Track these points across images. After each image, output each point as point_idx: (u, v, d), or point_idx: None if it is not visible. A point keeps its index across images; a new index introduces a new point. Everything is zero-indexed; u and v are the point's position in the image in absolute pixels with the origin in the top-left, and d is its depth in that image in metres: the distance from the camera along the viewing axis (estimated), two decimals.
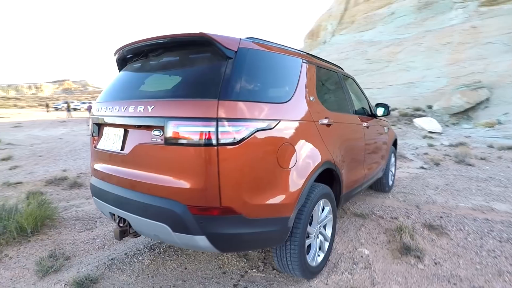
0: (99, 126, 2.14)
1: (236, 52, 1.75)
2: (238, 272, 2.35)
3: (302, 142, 2.00)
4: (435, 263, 2.44)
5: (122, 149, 1.89)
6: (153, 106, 1.68)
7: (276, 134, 1.80)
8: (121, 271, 2.35)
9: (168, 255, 2.60)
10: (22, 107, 28.22)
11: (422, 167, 6.21)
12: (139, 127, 1.79)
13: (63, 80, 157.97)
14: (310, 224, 2.19)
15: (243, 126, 1.62)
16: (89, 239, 2.90)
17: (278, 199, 1.80)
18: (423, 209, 3.72)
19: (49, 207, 3.24)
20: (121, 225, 1.96)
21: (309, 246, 2.22)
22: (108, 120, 2.00)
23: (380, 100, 20.54)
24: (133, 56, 2.19)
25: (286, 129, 1.88)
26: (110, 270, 2.36)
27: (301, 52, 2.46)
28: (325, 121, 2.32)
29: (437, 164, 6.38)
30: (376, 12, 28.88)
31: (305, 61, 2.36)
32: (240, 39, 1.85)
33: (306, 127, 2.09)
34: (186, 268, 2.41)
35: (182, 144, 1.58)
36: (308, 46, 34.87)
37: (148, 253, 2.63)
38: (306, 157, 2.00)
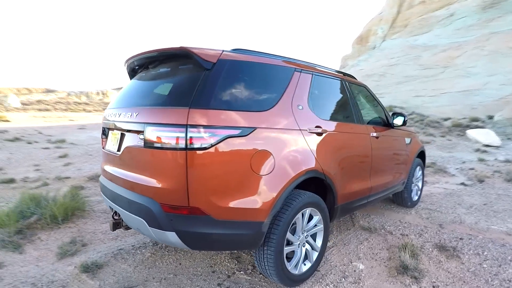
0: (107, 130, 2.44)
1: (214, 63, 1.89)
2: (226, 272, 2.45)
3: (281, 149, 2.04)
4: (433, 287, 2.26)
5: (118, 150, 2.14)
6: (137, 113, 1.89)
7: (250, 141, 1.88)
8: (124, 261, 2.61)
9: (168, 250, 2.80)
10: (89, 111, 31.85)
11: (462, 184, 5.64)
12: (129, 131, 2.02)
13: None
14: (294, 232, 2.21)
15: (212, 133, 1.74)
16: (107, 230, 3.24)
17: (249, 203, 1.87)
18: (446, 228, 3.42)
19: (80, 200, 3.70)
20: (115, 217, 2.21)
21: (293, 253, 2.23)
22: (111, 124, 2.28)
23: (433, 109, 18.93)
24: (137, 68, 2.47)
25: (262, 137, 1.95)
26: (115, 259, 2.63)
27: (296, 61, 2.50)
28: (316, 130, 2.33)
29: (481, 181, 5.73)
30: (432, 14, 26.83)
31: (298, 70, 2.41)
32: (223, 51, 1.98)
33: (289, 135, 2.13)
34: (180, 264, 2.58)
35: (156, 148, 1.76)
36: (357, 52, 33.67)
37: (152, 247, 2.87)
38: (285, 164, 2.04)
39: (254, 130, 1.90)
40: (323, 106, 2.64)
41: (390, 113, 3.58)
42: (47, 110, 29.44)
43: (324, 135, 2.41)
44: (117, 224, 2.20)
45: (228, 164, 1.81)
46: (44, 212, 3.26)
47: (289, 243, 2.17)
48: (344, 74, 3.18)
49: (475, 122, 13.96)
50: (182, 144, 1.69)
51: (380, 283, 2.32)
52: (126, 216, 2.01)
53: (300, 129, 2.21)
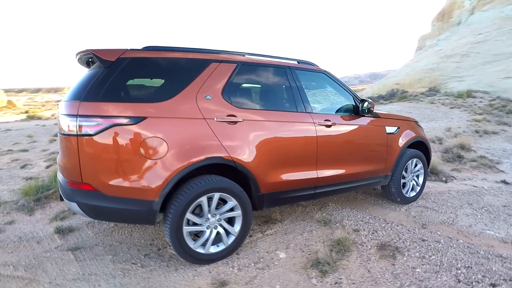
0: None
1: (113, 61, 2.17)
2: (160, 246, 2.76)
3: (177, 137, 2.22)
4: (335, 283, 2.15)
5: None
6: (63, 105, 2.28)
7: (139, 129, 2.11)
8: (92, 228, 3.16)
9: (131, 225, 3.25)
10: None
11: (503, 181, 4.72)
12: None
13: None
14: (200, 215, 2.37)
15: (99, 122, 2.04)
16: None
17: (139, 183, 2.12)
18: (427, 229, 3.04)
19: None
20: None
21: (201, 233, 2.40)
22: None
23: None
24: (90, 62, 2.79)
25: (154, 125, 2.16)
26: (87, 226, 3.20)
27: (220, 53, 2.59)
28: (226, 119, 2.41)
29: None
30: None
31: (217, 61, 2.51)
32: (125, 50, 2.24)
33: (189, 123, 2.28)
34: (131, 235, 3.00)
35: (63, 134, 2.15)
36: (437, 30, 29.31)
37: None
38: (180, 150, 2.21)
39: (144, 119, 2.13)
40: (246, 95, 2.66)
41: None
42: None
43: (238, 123, 2.46)
44: (60, 196, 2.70)
45: (116, 148, 2.08)
46: (57, 185, 4.09)
47: (194, 224, 2.34)
48: (299, 61, 3.08)
49: None
50: (74, 131, 2.04)
51: (287, 273, 2.31)
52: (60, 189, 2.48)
53: (204, 118, 2.34)
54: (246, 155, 2.47)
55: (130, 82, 2.21)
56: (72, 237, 2.96)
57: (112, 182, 2.10)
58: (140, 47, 2.36)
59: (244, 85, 2.77)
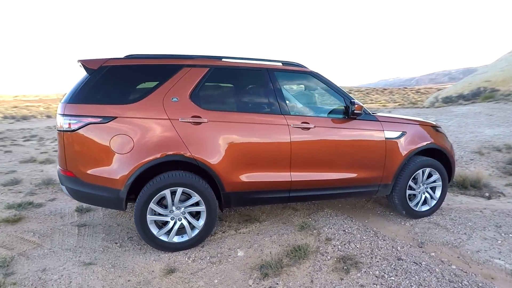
0: None
1: (95, 70, 2.57)
2: (136, 234, 3.06)
3: (142, 135, 2.50)
4: (269, 287, 2.13)
5: None
6: (59, 106, 2.79)
7: (110, 127, 2.47)
8: (104, 210, 3.71)
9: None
10: None
11: None
12: None
13: None
14: (166, 207, 2.61)
15: (78, 120, 2.45)
16: None
17: (108, 174, 2.48)
18: (423, 248, 2.70)
19: None
20: None
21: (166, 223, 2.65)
22: None
23: None
24: None
25: (123, 124, 2.48)
26: (101, 209, 3.75)
27: (194, 58, 2.78)
28: (191, 120, 2.60)
29: None
30: None
31: (189, 66, 2.71)
32: (107, 59, 2.62)
33: (154, 123, 2.54)
34: (130, 220, 3.44)
35: (57, 129, 2.64)
36: None
37: (129, 206, 3.86)
38: (144, 147, 2.49)
39: (114, 119, 2.47)
40: (216, 97, 2.79)
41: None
42: None
43: (203, 124, 2.62)
44: None
45: (91, 143, 2.48)
46: None
47: (159, 214, 2.60)
48: (284, 63, 3.06)
49: None
50: (62, 127, 2.50)
51: (233, 270, 2.38)
52: None
53: (169, 119, 2.57)
54: (209, 154, 2.62)
55: (109, 86, 2.59)
56: (86, 216, 3.55)
57: (88, 171, 2.50)
58: (122, 56, 2.72)
59: (215, 88, 2.91)
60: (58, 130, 2.61)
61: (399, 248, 2.69)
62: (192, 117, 2.61)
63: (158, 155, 2.51)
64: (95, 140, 2.48)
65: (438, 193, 3.42)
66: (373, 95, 50.87)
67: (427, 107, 16.28)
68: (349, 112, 2.99)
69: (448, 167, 3.46)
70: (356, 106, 2.89)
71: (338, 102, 3.09)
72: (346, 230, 3.00)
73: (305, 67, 3.10)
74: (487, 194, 4.17)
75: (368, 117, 3.11)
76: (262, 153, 2.78)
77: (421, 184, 3.35)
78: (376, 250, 2.62)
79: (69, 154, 2.52)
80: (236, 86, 2.93)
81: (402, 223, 3.29)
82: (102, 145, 2.48)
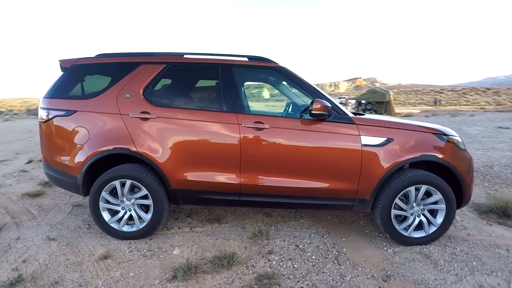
0: None
1: (67, 68, 2.87)
2: None
3: (96, 128, 2.69)
4: None
5: None
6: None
7: (71, 120, 2.73)
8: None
9: None
10: None
11: None
12: None
13: (356, 78, 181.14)
14: (117, 196, 2.77)
15: (48, 112, 2.79)
16: None
17: (67, 161, 2.76)
18: (384, 284, 2.23)
19: None
20: None
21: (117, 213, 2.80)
22: None
23: None
24: None
25: (81, 117, 2.72)
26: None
27: (150, 56, 2.85)
28: (139, 115, 2.68)
29: None
30: None
31: (145, 63, 2.80)
32: (79, 58, 2.90)
33: (107, 117, 2.70)
34: None
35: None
36: None
37: None
38: (97, 139, 2.68)
39: (74, 112, 2.73)
40: (168, 94, 2.78)
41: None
42: None
43: (151, 120, 2.67)
44: None
45: (56, 133, 2.79)
46: None
47: (111, 203, 2.77)
48: (250, 58, 2.87)
49: None
50: (40, 118, 2.89)
51: (155, 267, 2.36)
52: None
53: (120, 114, 2.69)
54: (154, 149, 2.66)
55: (78, 82, 2.87)
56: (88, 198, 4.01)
57: (55, 158, 2.83)
58: (94, 55, 2.97)
59: (169, 84, 2.90)
60: (38, 121, 3.03)
61: (349, 277, 2.26)
62: (141, 112, 2.69)
63: (110, 147, 2.67)
64: (60, 131, 2.79)
65: (439, 218, 2.72)
66: (471, 95, 43.02)
67: None
68: (310, 112, 2.61)
69: (458, 187, 2.72)
70: (316, 105, 2.51)
71: (303, 101, 2.74)
72: (300, 246, 2.66)
73: (272, 62, 2.83)
74: None
75: (341, 119, 2.67)
76: (208, 152, 2.68)
77: (414, 204, 2.72)
78: (314, 274, 2.25)
79: (43, 142, 2.90)
80: (190, 82, 2.88)
81: (385, 248, 2.74)
82: (64, 136, 2.77)
